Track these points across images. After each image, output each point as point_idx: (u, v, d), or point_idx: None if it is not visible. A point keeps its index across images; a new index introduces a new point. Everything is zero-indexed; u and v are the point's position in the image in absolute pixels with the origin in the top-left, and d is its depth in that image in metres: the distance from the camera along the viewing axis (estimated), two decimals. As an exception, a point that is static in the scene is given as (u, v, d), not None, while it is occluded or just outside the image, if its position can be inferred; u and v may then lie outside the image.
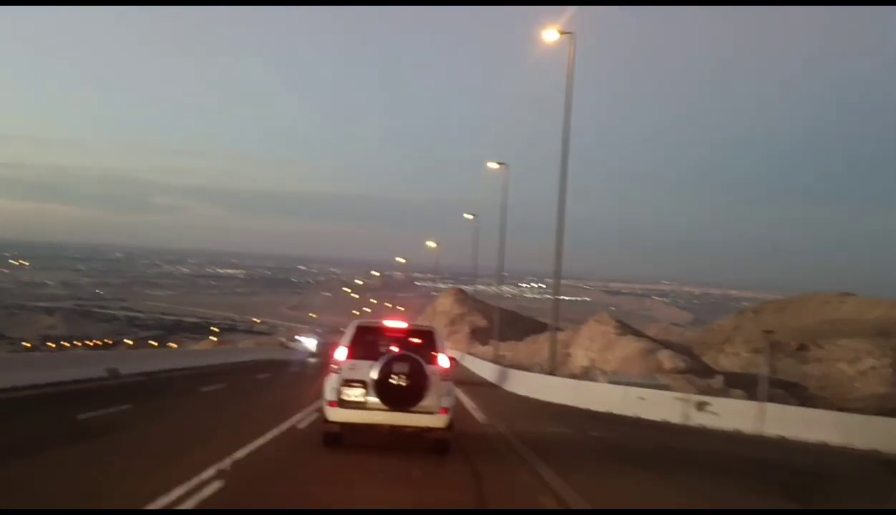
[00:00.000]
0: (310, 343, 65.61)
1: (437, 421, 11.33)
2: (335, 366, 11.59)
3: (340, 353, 11.67)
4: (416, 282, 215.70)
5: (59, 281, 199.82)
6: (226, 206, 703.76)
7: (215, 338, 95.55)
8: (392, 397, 11.13)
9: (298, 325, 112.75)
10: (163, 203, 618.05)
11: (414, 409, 11.20)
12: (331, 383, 11.50)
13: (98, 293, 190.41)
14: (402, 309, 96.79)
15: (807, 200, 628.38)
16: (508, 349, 55.81)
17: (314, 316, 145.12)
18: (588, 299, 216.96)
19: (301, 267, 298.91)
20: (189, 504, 7.60)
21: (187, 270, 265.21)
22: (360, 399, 11.26)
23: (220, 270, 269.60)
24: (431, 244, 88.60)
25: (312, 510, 7.95)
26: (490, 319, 71.26)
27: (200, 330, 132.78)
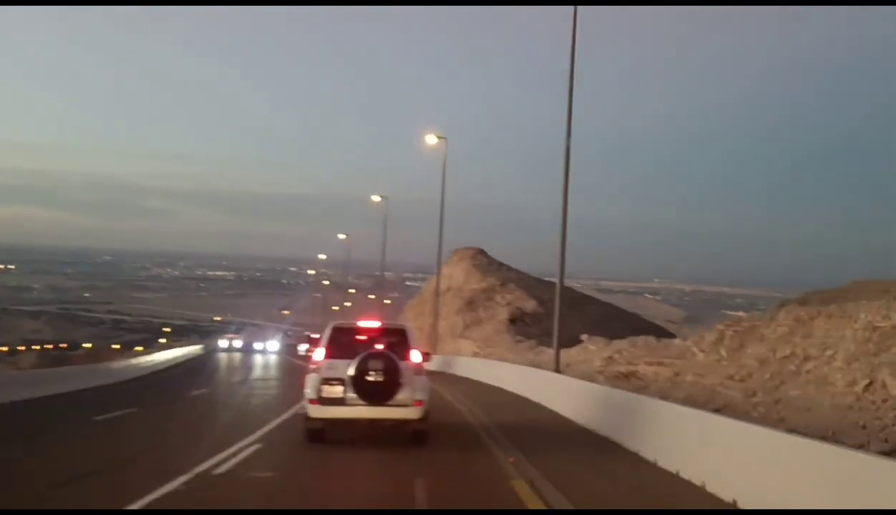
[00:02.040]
0: (271, 344, 63.40)
1: (413, 412, 11.99)
2: (314, 366, 12.25)
3: (318, 354, 12.35)
4: (406, 283, 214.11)
5: (45, 285, 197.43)
6: (217, 210, 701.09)
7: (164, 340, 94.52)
8: (369, 392, 11.75)
9: (276, 325, 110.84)
10: (153, 207, 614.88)
11: (390, 403, 11.82)
12: (311, 382, 12.07)
13: (85, 296, 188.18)
14: (389, 301, 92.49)
15: (798, 196, 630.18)
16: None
17: (286, 313, 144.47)
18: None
19: (292, 269, 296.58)
20: None
21: (177, 273, 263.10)
22: (339, 395, 11.83)
23: (210, 273, 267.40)
24: (341, 236, 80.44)
25: (311, 510, 7.90)
26: (542, 300, 46.07)
27: (188, 332, 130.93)
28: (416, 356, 12.33)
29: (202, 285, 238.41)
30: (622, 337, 29.29)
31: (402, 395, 11.84)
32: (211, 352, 60.81)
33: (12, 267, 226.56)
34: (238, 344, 62.20)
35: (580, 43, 20.35)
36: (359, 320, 13.20)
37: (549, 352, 26.45)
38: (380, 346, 12.26)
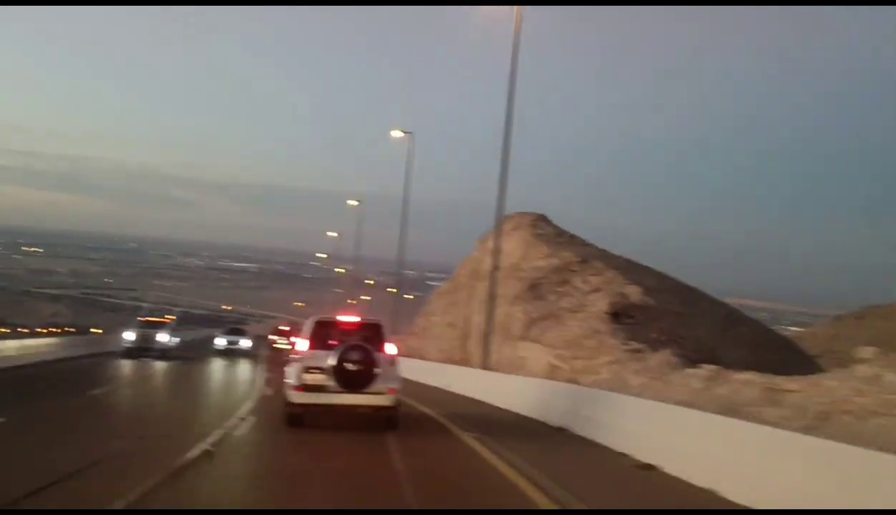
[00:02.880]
0: (244, 342, 43.27)
1: (386, 400, 13.10)
2: (297, 356, 13.31)
3: (302, 344, 13.41)
4: (427, 282, 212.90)
5: (68, 270, 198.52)
6: (242, 202, 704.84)
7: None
8: (347, 380, 12.79)
9: (281, 316, 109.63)
10: (179, 196, 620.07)
11: (366, 390, 12.88)
12: (293, 370, 13.14)
13: (107, 282, 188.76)
14: (411, 297, 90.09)
15: (815, 209, 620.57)
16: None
17: (300, 305, 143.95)
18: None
19: (314, 264, 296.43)
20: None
21: (200, 263, 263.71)
22: (321, 383, 12.82)
23: (233, 264, 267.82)
24: (332, 233, 77.03)
25: (306, 510, 7.92)
26: (648, 288, 29.95)
27: (207, 321, 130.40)
28: (390, 348, 13.55)
29: (224, 276, 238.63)
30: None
31: (377, 384, 12.91)
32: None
33: (39, 250, 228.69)
34: (247, 344, 43.08)
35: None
36: (339, 315, 14.42)
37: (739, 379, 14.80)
38: (364, 333, 13.53)
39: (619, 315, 28.13)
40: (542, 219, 39.69)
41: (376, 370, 12.87)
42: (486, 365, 23.72)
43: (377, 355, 13.01)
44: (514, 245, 35.71)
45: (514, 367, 27.23)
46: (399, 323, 41.94)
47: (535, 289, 31.96)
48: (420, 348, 41.90)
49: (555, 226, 39.46)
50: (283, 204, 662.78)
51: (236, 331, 48.47)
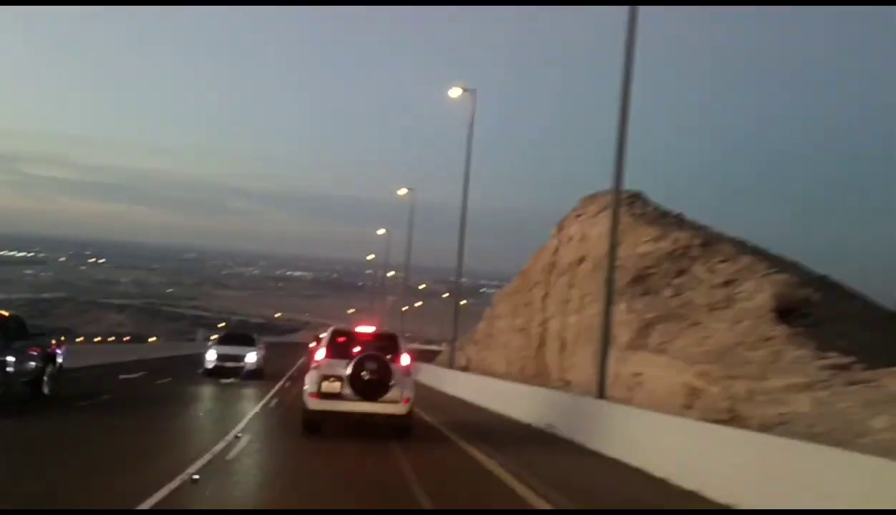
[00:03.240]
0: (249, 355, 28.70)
1: (401, 408, 13.45)
2: (315, 364, 13.65)
3: (320, 354, 13.77)
4: (481, 290, 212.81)
5: (131, 280, 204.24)
6: (297, 211, 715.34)
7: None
8: (363, 389, 13.19)
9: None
10: (237, 207, 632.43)
11: (381, 399, 13.26)
12: (311, 378, 13.52)
13: (168, 292, 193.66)
14: (465, 302, 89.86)
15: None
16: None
17: (352, 311, 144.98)
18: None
19: (369, 272, 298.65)
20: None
21: (257, 272, 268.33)
22: (337, 391, 13.24)
23: (288, 273, 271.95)
24: (381, 231, 69.34)
25: (309, 509, 8.06)
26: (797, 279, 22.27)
27: (264, 330, 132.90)
28: (405, 359, 13.88)
29: (280, 285, 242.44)
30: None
31: (392, 393, 13.30)
32: None
33: (102, 260, 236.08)
34: (253, 358, 28.65)
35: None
36: (357, 325, 14.81)
37: None
38: (373, 349, 13.74)
39: (790, 313, 19.79)
40: (637, 197, 30.50)
41: (391, 379, 13.24)
42: (601, 391, 15.30)
43: (392, 365, 13.39)
44: (604, 228, 22.75)
45: (626, 388, 19.86)
46: (458, 330, 37.20)
47: (642, 282, 23.65)
48: (482, 359, 37.96)
49: (656, 206, 30.58)
50: (337, 213, 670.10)
51: (238, 339, 30.24)
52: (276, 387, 23.85)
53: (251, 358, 27.93)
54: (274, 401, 19.81)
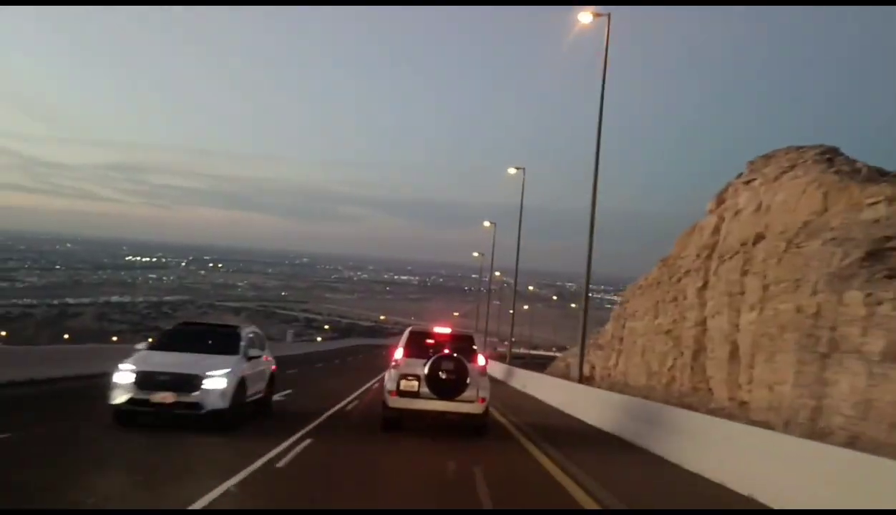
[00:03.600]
0: (212, 376, 12.46)
1: (476, 408, 13.75)
2: (394, 363, 13.92)
3: (398, 353, 14.06)
4: (590, 294, 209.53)
5: (248, 284, 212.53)
6: (404, 216, 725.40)
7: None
8: (440, 388, 13.54)
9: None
10: (346, 213, 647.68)
11: (457, 399, 13.58)
12: (391, 376, 13.88)
13: (283, 295, 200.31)
14: (575, 305, 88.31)
15: None
16: None
17: (456, 314, 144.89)
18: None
19: (474, 276, 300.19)
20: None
21: (366, 276, 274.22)
22: (415, 389, 13.62)
23: (396, 277, 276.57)
24: (486, 224, 61.21)
25: (314, 509, 7.85)
26: None
27: (373, 333, 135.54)
28: (481, 360, 14.12)
29: (388, 288, 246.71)
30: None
31: (468, 392, 13.60)
32: None
33: (221, 265, 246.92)
34: (219, 384, 12.27)
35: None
36: (434, 327, 15.08)
37: None
38: (456, 344, 14.19)
39: None
40: (835, 152, 22.66)
41: (467, 379, 13.54)
42: None
43: (469, 365, 13.66)
44: (793, 193, 20.12)
45: (882, 417, 12.42)
46: (569, 335, 36.52)
47: (882, 258, 15.59)
48: (611, 368, 32.87)
49: (860, 164, 21.65)
50: (444, 217, 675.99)
51: (197, 339, 14.09)
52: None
53: (215, 382, 12.35)
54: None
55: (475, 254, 65.84)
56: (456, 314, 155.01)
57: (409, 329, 15.02)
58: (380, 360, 38.84)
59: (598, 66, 23.95)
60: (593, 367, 35.41)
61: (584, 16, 24.09)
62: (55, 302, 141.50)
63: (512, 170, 48.20)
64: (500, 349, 70.98)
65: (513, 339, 57.11)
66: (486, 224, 61.84)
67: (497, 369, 39.82)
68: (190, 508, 7.29)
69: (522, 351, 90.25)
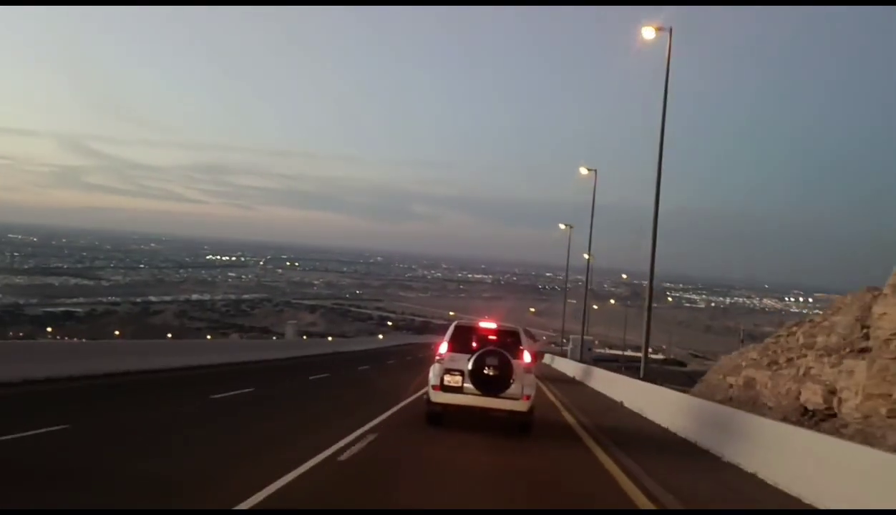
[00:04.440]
0: None
1: (521, 405, 13.32)
2: (438, 357, 13.69)
3: (443, 347, 13.76)
4: (666, 293, 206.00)
5: (323, 282, 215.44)
6: (477, 215, 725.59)
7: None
8: (484, 384, 13.18)
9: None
10: (420, 211, 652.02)
11: (502, 395, 13.21)
12: (435, 371, 13.65)
13: (357, 293, 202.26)
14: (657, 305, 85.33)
15: None
16: None
17: (532, 310, 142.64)
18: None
19: (548, 274, 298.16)
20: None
21: (439, 274, 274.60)
22: (459, 384, 13.31)
23: (469, 275, 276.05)
24: (561, 226, 63.10)
25: (337, 510, 7.68)
26: None
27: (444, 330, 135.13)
28: (527, 356, 13.69)
29: (461, 287, 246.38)
30: None
31: (512, 389, 13.20)
32: None
33: (298, 264, 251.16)
34: None
35: None
36: (479, 321, 14.70)
37: None
38: (502, 339, 13.78)
39: None
40: None
41: (512, 375, 13.16)
42: None
43: (514, 361, 13.27)
44: None
45: None
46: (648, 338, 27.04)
47: None
48: (779, 388, 18.05)
49: None
50: (517, 215, 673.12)
51: None
52: None
53: None
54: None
55: (561, 227, 61.82)
56: (532, 310, 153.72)
57: (455, 323, 14.59)
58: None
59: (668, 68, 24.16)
60: (753, 382, 21.20)
61: (647, 31, 26.16)
62: (138, 300, 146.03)
63: (584, 171, 47.33)
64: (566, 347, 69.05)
65: (594, 340, 55.93)
66: (562, 226, 61.08)
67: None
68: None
69: (608, 351, 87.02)
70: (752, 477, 11.13)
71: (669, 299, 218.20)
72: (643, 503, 8.99)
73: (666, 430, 16.65)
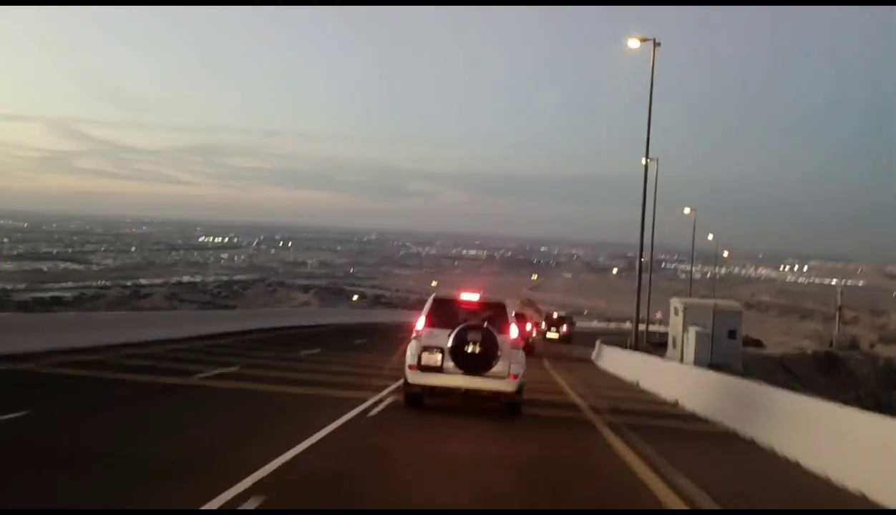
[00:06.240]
0: None
1: (508, 385, 12.18)
2: (415, 334, 12.46)
3: (420, 323, 12.54)
4: (662, 264, 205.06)
5: (317, 261, 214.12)
6: (472, 191, 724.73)
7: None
8: (466, 362, 11.99)
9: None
10: (415, 189, 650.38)
11: (486, 374, 12.06)
12: (411, 349, 12.42)
13: (351, 272, 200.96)
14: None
15: None
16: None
17: (535, 278, 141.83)
18: (861, 283, 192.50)
19: (543, 249, 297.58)
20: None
21: (434, 251, 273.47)
22: (438, 363, 12.10)
23: (464, 251, 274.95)
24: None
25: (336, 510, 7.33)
26: None
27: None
28: (513, 331, 12.50)
29: (456, 263, 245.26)
30: None
31: (498, 367, 12.06)
32: None
33: (290, 244, 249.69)
34: None
35: None
36: (461, 293, 13.34)
37: None
38: (486, 313, 12.56)
39: None
40: None
41: (497, 352, 12.00)
42: None
43: (499, 336, 12.09)
44: None
45: None
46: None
47: None
48: None
49: None
50: (511, 190, 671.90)
51: None
52: None
53: None
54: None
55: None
56: (535, 277, 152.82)
57: (433, 295, 13.25)
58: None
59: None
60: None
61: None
62: (128, 283, 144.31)
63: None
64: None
65: (585, 312, 54.41)
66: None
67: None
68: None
69: (595, 324, 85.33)
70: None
71: (665, 268, 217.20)
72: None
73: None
